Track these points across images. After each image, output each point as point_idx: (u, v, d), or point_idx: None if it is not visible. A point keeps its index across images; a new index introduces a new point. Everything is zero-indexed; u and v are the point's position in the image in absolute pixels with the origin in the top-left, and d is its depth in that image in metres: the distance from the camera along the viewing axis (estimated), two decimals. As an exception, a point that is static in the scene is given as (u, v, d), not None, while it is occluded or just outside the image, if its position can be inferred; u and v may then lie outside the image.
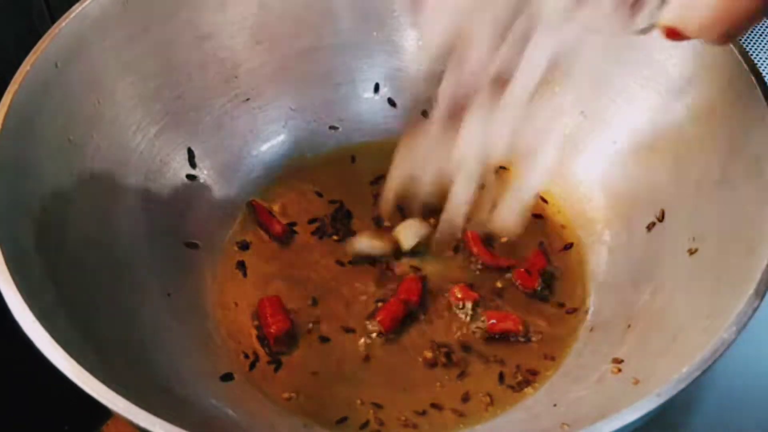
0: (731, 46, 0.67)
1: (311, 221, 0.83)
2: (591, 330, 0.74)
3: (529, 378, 0.72)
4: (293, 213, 0.84)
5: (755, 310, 0.54)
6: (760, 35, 1.04)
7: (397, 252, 0.80)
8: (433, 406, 0.70)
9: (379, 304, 0.76)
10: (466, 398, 0.71)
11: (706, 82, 0.70)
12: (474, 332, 0.74)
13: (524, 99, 0.66)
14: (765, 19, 1.05)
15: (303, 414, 0.70)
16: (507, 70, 0.65)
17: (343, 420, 0.69)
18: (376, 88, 0.89)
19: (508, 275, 0.78)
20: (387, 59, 0.88)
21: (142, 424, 0.49)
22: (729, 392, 0.72)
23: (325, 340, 0.75)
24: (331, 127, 0.89)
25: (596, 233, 0.80)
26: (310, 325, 0.75)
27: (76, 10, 0.70)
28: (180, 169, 0.81)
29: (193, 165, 0.82)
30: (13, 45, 0.80)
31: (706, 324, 0.58)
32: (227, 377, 0.71)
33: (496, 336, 0.74)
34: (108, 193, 0.72)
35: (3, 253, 0.56)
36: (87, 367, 0.51)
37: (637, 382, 0.61)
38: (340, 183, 0.86)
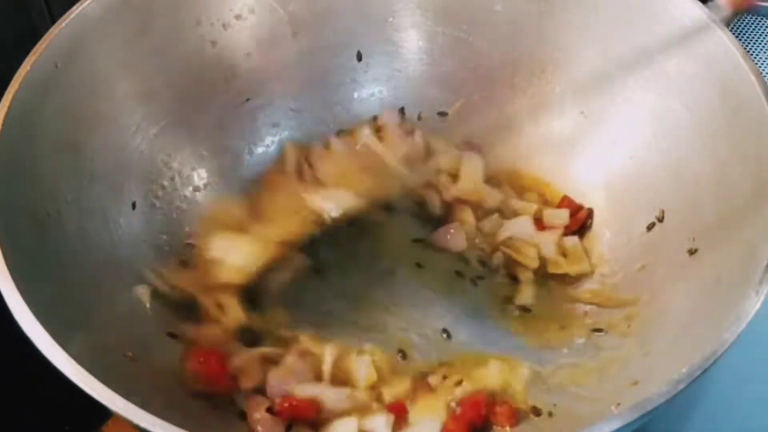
0: (731, 46, 0.67)
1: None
2: (591, 330, 0.74)
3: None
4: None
5: (755, 310, 0.54)
6: (760, 35, 1.04)
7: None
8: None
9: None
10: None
11: (706, 82, 0.70)
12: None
13: None
14: (765, 19, 1.05)
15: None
16: None
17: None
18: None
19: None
20: (387, 59, 0.88)
21: (142, 424, 0.49)
22: (729, 392, 0.72)
23: None
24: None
25: (596, 233, 0.80)
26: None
27: (76, 10, 0.70)
28: (180, 170, 0.81)
29: (193, 165, 0.82)
30: (13, 45, 0.79)
31: (706, 324, 0.58)
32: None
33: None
34: (108, 193, 0.72)
35: (3, 253, 0.56)
36: (87, 366, 0.51)
37: (636, 382, 0.61)
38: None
